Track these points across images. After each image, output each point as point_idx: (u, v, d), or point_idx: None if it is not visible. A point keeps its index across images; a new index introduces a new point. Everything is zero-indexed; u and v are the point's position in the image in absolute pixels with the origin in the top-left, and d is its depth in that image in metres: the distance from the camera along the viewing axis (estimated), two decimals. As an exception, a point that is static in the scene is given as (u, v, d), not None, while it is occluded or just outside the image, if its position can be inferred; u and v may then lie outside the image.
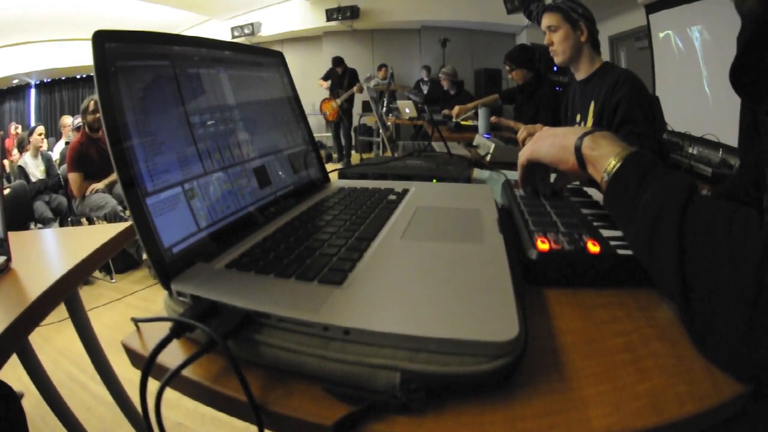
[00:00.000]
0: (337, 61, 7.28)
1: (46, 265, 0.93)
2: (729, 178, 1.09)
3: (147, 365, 0.38)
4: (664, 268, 0.51)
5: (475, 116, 3.32)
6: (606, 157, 0.64)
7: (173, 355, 0.43)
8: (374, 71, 7.83)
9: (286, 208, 0.74)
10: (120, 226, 1.05)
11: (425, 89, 7.70)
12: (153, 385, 0.38)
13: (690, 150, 2.71)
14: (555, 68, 1.91)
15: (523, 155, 0.80)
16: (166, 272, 0.47)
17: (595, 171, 0.66)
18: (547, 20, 1.90)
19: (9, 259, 0.88)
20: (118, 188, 3.57)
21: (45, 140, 4.32)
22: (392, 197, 0.81)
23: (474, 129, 3.27)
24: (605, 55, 5.49)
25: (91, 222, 3.94)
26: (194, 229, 0.53)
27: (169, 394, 0.40)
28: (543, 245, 0.59)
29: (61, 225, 3.60)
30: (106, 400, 1.67)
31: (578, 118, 1.94)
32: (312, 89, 7.60)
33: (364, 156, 7.83)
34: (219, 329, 0.38)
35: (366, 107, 7.89)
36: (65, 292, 0.84)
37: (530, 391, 0.39)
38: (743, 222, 0.47)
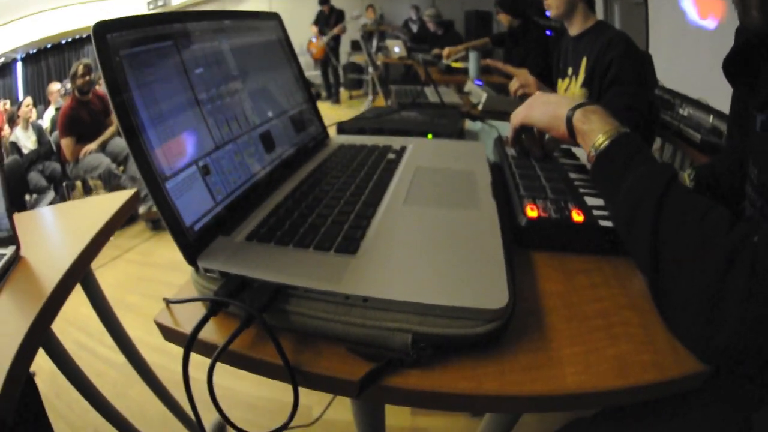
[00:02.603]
0: (323, 0, 7.57)
1: (56, 250, 0.94)
2: (713, 159, 1.19)
3: (189, 343, 0.46)
4: (638, 248, 0.59)
5: (466, 58, 3.41)
6: (595, 132, 0.71)
7: (207, 329, 0.50)
8: (362, 11, 8.00)
9: (293, 171, 0.83)
10: (123, 196, 1.07)
11: (414, 28, 7.85)
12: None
13: (681, 111, 2.78)
14: (547, 13, 1.96)
15: (516, 118, 0.88)
16: (191, 250, 0.54)
17: (584, 143, 0.74)
18: None
19: (18, 248, 0.88)
20: (111, 145, 3.61)
21: (34, 109, 4.39)
22: (391, 156, 0.90)
23: (465, 72, 3.39)
24: (599, 10, 5.50)
25: (85, 184, 4.08)
26: (212, 204, 0.60)
27: (179, 350, 0.48)
28: (532, 212, 0.68)
29: (56, 191, 3.69)
30: (116, 363, 1.78)
31: (570, 71, 2.01)
32: (300, 30, 7.72)
33: (353, 93, 8.15)
34: (254, 304, 0.47)
35: (355, 46, 8.07)
36: (80, 273, 0.86)
37: (517, 348, 0.48)
38: (715, 222, 0.53)
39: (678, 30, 3.37)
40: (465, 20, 8.14)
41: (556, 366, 0.47)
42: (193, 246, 0.55)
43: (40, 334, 0.70)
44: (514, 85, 1.72)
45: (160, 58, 0.60)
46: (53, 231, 1.06)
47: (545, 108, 0.82)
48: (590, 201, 0.74)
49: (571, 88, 2.00)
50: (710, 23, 2.93)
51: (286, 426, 0.46)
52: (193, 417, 0.46)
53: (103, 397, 1.19)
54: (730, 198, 1.01)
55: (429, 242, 0.59)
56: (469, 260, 0.54)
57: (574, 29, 1.98)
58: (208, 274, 0.54)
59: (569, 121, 0.76)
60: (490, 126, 1.40)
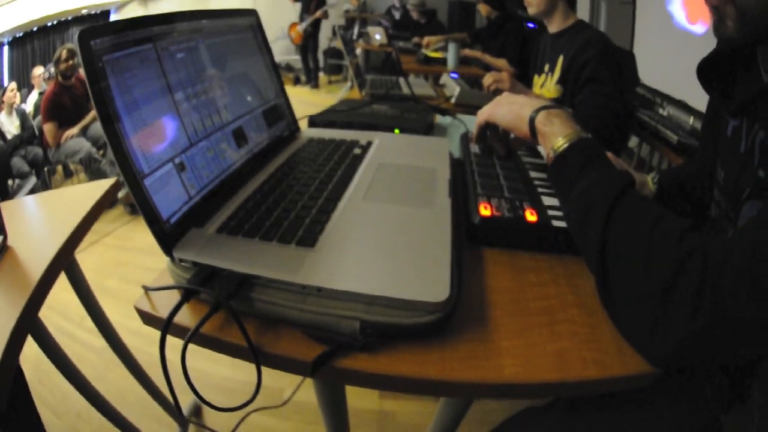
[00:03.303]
0: None
1: (41, 238, 0.96)
2: (680, 164, 1.25)
3: (166, 326, 0.52)
4: (588, 251, 0.62)
5: (445, 48, 3.48)
6: (556, 135, 0.73)
7: (181, 313, 0.55)
8: None
9: (264, 164, 0.89)
10: (104, 184, 1.11)
11: (397, 15, 7.88)
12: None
13: (662, 111, 2.84)
14: None
15: (482, 116, 0.91)
16: (168, 241, 0.60)
17: (544, 144, 0.76)
18: None
19: (5, 238, 0.90)
20: (92, 129, 3.65)
21: (18, 94, 4.39)
22: (357, 151, 0.96)
23: (443, 62, 3.47)
24: (585, 7, 5.57)
25: (66, 169, 4.12)
26: (186, 198, 0.66)
27: (155, 333, 0.54)
28: (485, 211, 0.74)
29: (38, 176, 3.75)
30: (95, 347, 1.85)
31: (546, 67, 2.08)
32: (281, 13, 7.81)
33: (332, 78, 8.21)
34: (222, 292, 0.53)
35: (335, 32, 8.02)
36: (65, 261, 0.90)
37: (459, 338, 0.54)
38: (666, 230, 0.56)
39: (664, 31, 3.44)
40: (449, 10, 8.22)
41: (494, 357, 0.53)
42: (169, 238, 0.61)
43: (29, 321, 0.73)
44: (487, 80, 1.78)
45: (141, 61, 0.65)
46: (37, 220, 1.09)
47: (510, 108, 0.84)
48: (547, 201, 0.79)
49: (547, 84, 2.05)
50: (699, 28, 3.01)
51: (251, 401, 0.53)
52: (171, 399, 0.52)
53: (87, 382, 1.23)
54: (694, 202, 1.05)
55: (381, 238, 0.65)
56: (417, 256, 0.60)
57: (554, 27, 2.04)
58: (183, 264, 0.60)
59: (532, 122, 0.78)
60: (459, 121, 1.47)
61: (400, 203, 0.76)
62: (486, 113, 0.90)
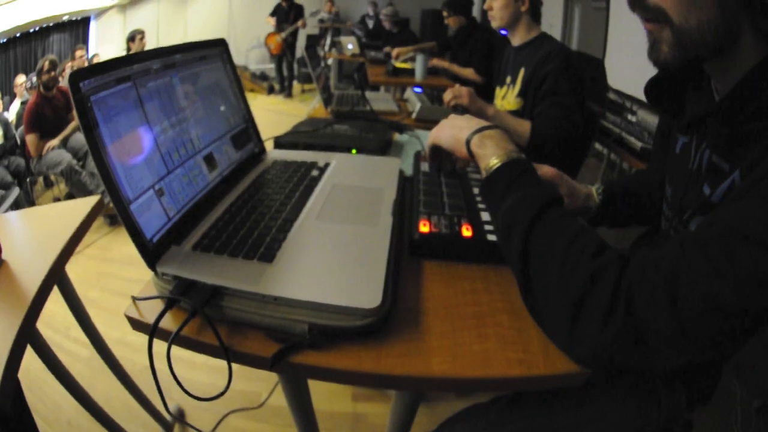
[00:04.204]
0: None
1: (35, 252, 1.03)
2: (629, 175, 1.26)
3: (153, 330, 0.64)
4: (513, 263, 0.68)
5: (414, 59, 3.59)
6: (488, 156, 0.79)
7: (165, 319, 0.67)
8: (322, 5, 8.43)
9: (232, 186, 1.01)
10: (89, 202, 1.19)
11: (370, 24, 8.15)
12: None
13: (630, 117, 2.97)
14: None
15: (430, 138, 0.98)
16: (151, 258, 0.72)
17: (479, 165, 0.82)
18: None
19: (0, 251, 0.96)
20: (72, 140, 3.81)
21: (0, 102, 4.52)
22: (315, 173, 1.09)
23: (411, 73, 3.57)
24: (559, 12, 5.70)
25: (47, 180, 4.29)
26: (166, 220, 0.78)
27: (139, 339, 0.65)
28: (424, 228, 0.86)
29: (20, 186, 3.80)
30: (82, 357, 1.94)
31: (508, 79, 2.18)
32: (258, 22, 8.08)
33: (305, 87, 8.46)
34: (198, 301, 0.65)
35: (310, 40, 8.34)
36: (57, 275, 0.97)
37: (394, 338, 0.65)
38: (583, 245, 0.61)
39: (637, 36, 3.58)
40: (421, 18, 8.48)
41: (425, 355, 0.63)
42: (152, 255, 0.73)
43: (29, 331, 0.82)
44: (447, 96, 1.85)
45: (123, 99, 0.74)
46: (29, 235, 1.17)
47: (451, 131, 0.90)
48: (485, 216, 0.91)
49: (508, 96, 2.14)
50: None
51: (225, 391, 0.63)
52: (156, 403, 0.64)
53: (81, 388, 1.32)
54: (642, 213, 1.12)
55: (329, 253, 0.78)
56: (357, 269, 0.73)
57: (517, 40, 2.13)
58: (165, 277, 0.72)
59: (468, 144, 0.84)
60: (415, 138, 1.61)
61: (347, 222, 0.89)
62: (433, 136, 0.97)
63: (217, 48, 1.11)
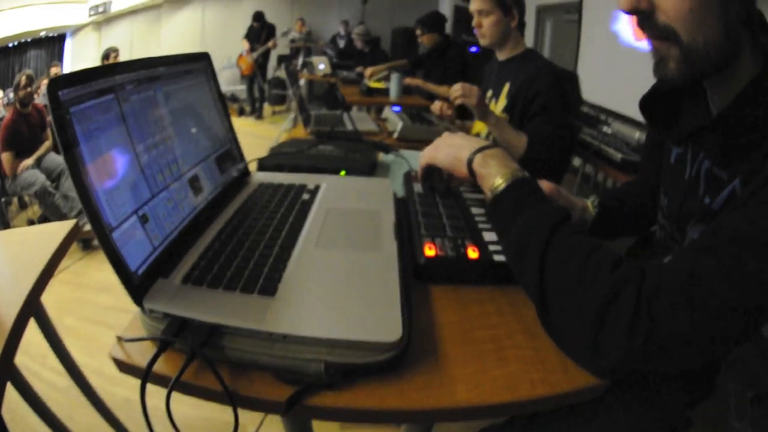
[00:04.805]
0: (257, 16, 7.90)
1: (9, 283, 0.99)
2: (620, 187, 1.32)
3: (145, 377, 0.57)
4: (528, 285, 0.68)
5: (388, 79, 3.64)
6: (493, 176, 0.79)
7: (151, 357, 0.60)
8: (293, 25, 8.62)
9: (219, 211, 0.94)
10: (66, 226, 1.14)
11: (341, 44, 8.29)
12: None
13: (605, 130, 3.01)
14: (475, 30, 2.08)
15: (424, 159, 0.99)
16: (138, 293, 0.64)
17: (483, 185, 0.82)
18: (477, 4, 2.01)
19: None
20: (46, 161, 3.72)
21: None
22: (306, 196, 1.04)
23: (385, 92, 3.60)
24: (530, 24, 5.82)
25: (21, 200, 4.20)
26: (151, 249, 0.70)
27: (116, 373, 0.60)
28: (430, 251, 0.82)
29: None
30: (60, 387, 1.84)
31: (490, 93, 2.17)
32: (230, 43, 8.27)
33: (276, 109, 8.46)
34: (196, 341, 0.58)
35: (282, 60, 8.46)
36: (34, 306, 0.92)
37: (414, 371, 0.62)
38: (599, 261, 0.63)
39: (610, 48, 3.64)
40: (392, 37, 8.66)
41: (448, 384, 0.60)
42: (138, 289, 0.65)
43: (8, 369, 0.79)
44: (455, 93, 1.77)
45: (104, 112, 0.68)
46: (2, 262, 1.12)
47: (449, 150, 0.91)
48: (487, 236, 0.88)
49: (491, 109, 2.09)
50: (646, 44, 3.20)
51: None
52: None
53: (61, 423, 1.27)
54: (635, 224, 1.16)
55: (336, 283, 0.73)
56: (370, 299, 0.68)
57: (503, 55, 2.11)
58: (153, 314, 0.64)
59: (470, 164, 0.85)
60: (402, 158, 1.57)
61: (349, 248, 0.84)
62: (427, 156, 0.97)
63: (201, 62, 1.05)
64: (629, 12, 0.71)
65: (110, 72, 0.72)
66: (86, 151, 0.62)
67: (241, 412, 0.58)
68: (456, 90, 1.77)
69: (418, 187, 1.10)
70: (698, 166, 0.83)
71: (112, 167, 0.68)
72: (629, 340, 0.58)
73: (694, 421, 0.89)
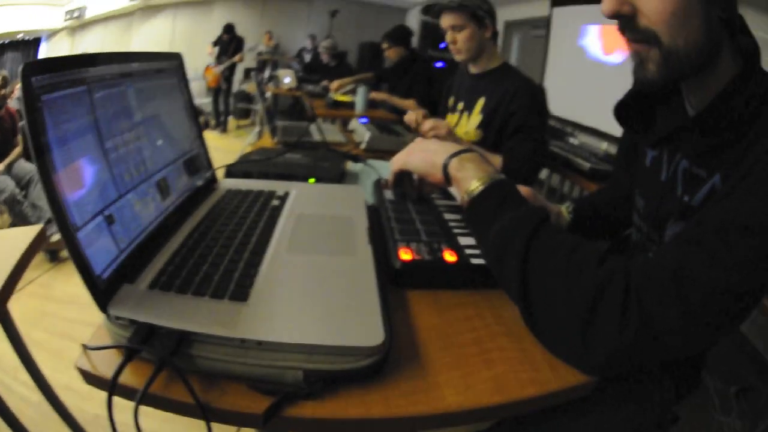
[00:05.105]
0: (227, 29, 7.80)
1: None
2: (593, 192, 1.31)
3: (111, 388, 0.53)
4: (510, 287, 0.68)
5: (354, 92, 3.61)
6: (469, 179, 0.79)
7: (124, 372, 0.55)
8: (260, 39, 8.58)
9: (186, 216, 0.90)
10: (31, 231, 1.09)
11: (308, 58, 8.23)
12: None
13: (572, 141, 3.06)
14: (441, 45, 2.09)
15: (396, 164, 0.98)
16: (102, 298, 0.60)
17: (458, 189, 0.82)
18: (450, 20, 1.96)
19: None
20: (16, 168, 3.56)
21: None
22: (275, 202, 1.01)
23: (350, 106, 3.59)
24: (498, 39, 5.88)
25: None
26: (116, 253, 0.66)
27: (86, 388, 0.56)
28: (405, 255, 0.80)
29: None
30: (32, 401, 1.77)
31: (460, 106, 2.15)
32: (197, 54, 8.07)
33: (240, 123, 8.40)
34: (164, 350, 0.54)
35: (248, 74, 8.43)
36: (1, 309, 0.89)
37: (398, 377, 0.59)
38: (584, 257, 0.63)
39: (577, 63, 3.70)
40: (359, 51, 8.72)
41: (435, 389, 0.58)
42: (103, 294, 0.61)
43: None
44: (426, 126, 1.73)
45: (74, 104, 0.65)
46: None
47: (424, 155, 0.90)
48: (463, 241, 0.87)
49: (463, 124, 2.10)
50: (615, 58, 3.25)
51: None
52: None
53: None
54: (610, 228, 1.17)
55: (311, 288, 0.70)
56: (348, 303, 0.66)
57: (478, 68, 2.07)
58: (119, 321, 0.60)
59: (445, 168, 0.84)
60: (370, 167, 1.55)
61: (323, 253, 0.81)
62: (400, 161, 0.96)
63: (173, 62, 1.02)
64: (611, 16, 0.71)
65: (86, 62, 0.69)
66: (54, 141, 0.59)
67: (215, 426, 0.54)
68: (426, 126, 1.75)
69: (388, 195, 1.08)
70: (675, 166, 0.84)
71: (80, 161, 0.64)
72: (620, 335, 0.58)
73: (681, 416, 0.91)
